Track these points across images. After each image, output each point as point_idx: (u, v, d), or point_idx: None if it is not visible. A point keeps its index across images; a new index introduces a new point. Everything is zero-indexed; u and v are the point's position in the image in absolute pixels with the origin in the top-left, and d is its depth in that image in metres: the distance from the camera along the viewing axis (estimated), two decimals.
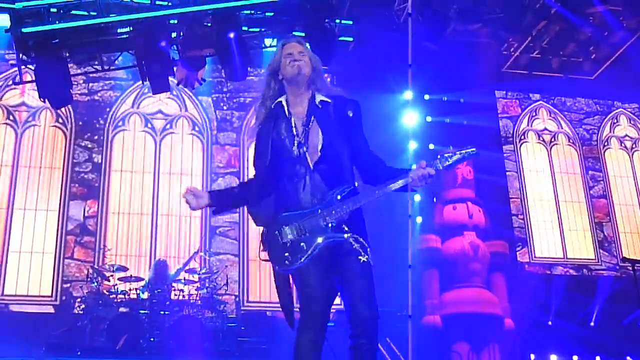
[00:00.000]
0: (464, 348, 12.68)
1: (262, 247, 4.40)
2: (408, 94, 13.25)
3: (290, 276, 4.35)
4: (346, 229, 4.31)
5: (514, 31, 14.37)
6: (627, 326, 12.47)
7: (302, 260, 4.23)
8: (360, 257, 4.26)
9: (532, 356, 12.90)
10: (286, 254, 4.26)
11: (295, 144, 4.44)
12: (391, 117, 13.35)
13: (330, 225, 4.28)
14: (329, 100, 4.53)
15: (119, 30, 12.03)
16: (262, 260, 4.38)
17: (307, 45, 4.72)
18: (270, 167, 4.52)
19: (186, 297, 11.85)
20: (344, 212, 4.30)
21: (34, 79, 12.17)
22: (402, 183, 4.40)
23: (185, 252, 13.97)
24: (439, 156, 4.50)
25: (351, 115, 4.51)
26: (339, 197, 4.31)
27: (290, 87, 4.55)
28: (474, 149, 4.52)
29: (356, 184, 4.49)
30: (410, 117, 13.43)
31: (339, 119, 4.48)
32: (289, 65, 4.48)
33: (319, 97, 4.53)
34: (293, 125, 4.50)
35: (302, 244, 4.25)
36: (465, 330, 12.71)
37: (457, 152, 4.50)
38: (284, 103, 4.57)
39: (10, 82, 14.42)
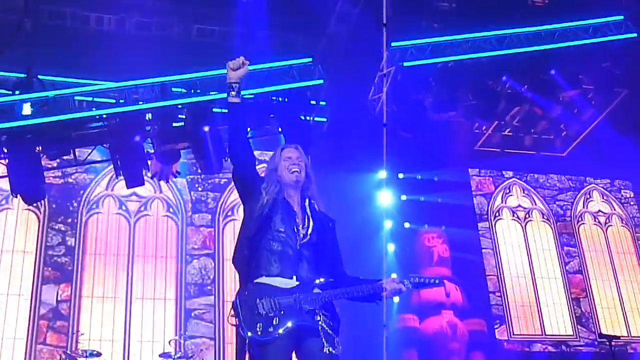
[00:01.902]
0: None
1: (232, 312, 4.44)
2: (382, 174, 13.33)
3: (251, 345, 4.38)
4: (318, 318, 4.47)
5: (487, 117, 14.56)
6: None
7: (271, 334, 4.30)
8: (324, 349, 4.39)
9: None
10: (259, 324, 4.32)
11: (293, 227, 4.72)
12: (366, 196, 13.41)
13: (303, 310, 4.43)
14: (316, 207, 4.91)
15: (92, 125, 12.08)
16: (231, 324, 4.43)
17: (300, 148, 5.02)
18: (256, 235, 4.68)
19: None
20: (319, 301, 4.48)
21: (6, 173, 12.11)
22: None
23: (160, 335, 13.76)
24: (410, 276, 4.87)
25: (331, 226, 4.86)
26: (316, 288, 4.52)
27: (286, 188, 4.87)
28: (439, 281, 4.92)
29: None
30: (385, 196, 13.50)
31: (324, 225, 4.82)
32: (287, 169, 4.85)
33: (312, 202, 4.93)
34: (292, 210, 4.82)
35: (275, 320, 4.34)
36: None
37: (426, 279, 4.87)
38: (285, 196, 4.86)
39: None
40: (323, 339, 4.41)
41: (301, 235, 4.71)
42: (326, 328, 4.46)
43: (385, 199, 13.51)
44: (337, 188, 13.97)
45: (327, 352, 4.39)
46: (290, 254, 4.60)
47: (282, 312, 4.36)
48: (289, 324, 4.34)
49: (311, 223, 4.79)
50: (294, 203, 4.86)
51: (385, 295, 4.76)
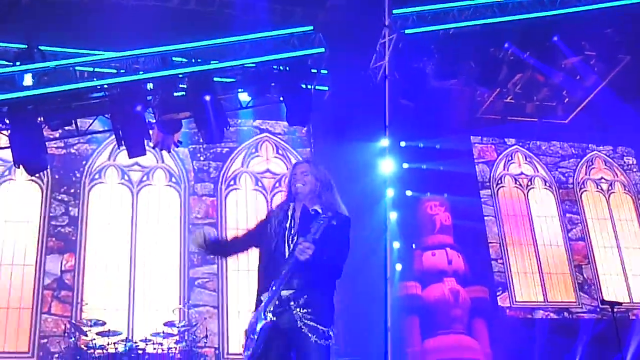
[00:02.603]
0: None
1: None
2: (384, 142, 13.32)
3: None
4: (295, 314, 4.79)
5: (489, 84, 14.49)
6: None
7: (256, 340, 4.78)
8: (311, 339, 4.71)
9: None
10: (249, 348, 4.82)
11: (285, 238, 5.06)
12: (368, 164, 13.41)
13: (270, 315, 4.79)
14: (320, 211, 5.09)
15: (93, 95, 12.05)
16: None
17: (310, 164, 5.43)
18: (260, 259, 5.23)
19: (165, 351, 11.71)
20: (273, 298, 4.82)
21: (8, 144, 12.12)
22: None
23: (164, 304, 13.84)
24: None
25: (335, 224, 5.02)
26: (283, 292, 4.83)
27: (296, 200, 5.28)
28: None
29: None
30: (387, 164, 13.49)
31: (325, 226, 4.95)
32: (293, 183, 5.27)
33: (312, 207, 5.17)
34: (289, 222, 5.15)
35: (253, 338, 4.83)
36: None
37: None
38: (291, 206, 5.27)
39: None
40: (308, 333, 4.71)
41: (288, 244, 5.03)
42: (308, 322, 4.73)
43: (387, 167, 13.51)
44: (339, 156, 13.99)
45: (314, 342, 4.69)
46: (278, 265, 4.91)
47: (255, 330, 4.80)
48: (258, 327, 4.79)
49: (294, 230, 5.09)
50: (296, 214, 5.22)
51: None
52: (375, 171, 13.52)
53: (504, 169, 17.09)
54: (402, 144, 14.10)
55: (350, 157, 13.70)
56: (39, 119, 11.81)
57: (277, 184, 15.80)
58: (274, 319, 4.76)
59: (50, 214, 14.39)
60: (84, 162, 15.02)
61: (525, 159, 17.40)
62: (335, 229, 5.01)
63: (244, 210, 15.38)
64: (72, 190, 14.72)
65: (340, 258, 5.03)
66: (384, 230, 12.82)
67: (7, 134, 12.03)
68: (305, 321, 4.74)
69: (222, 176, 15.51)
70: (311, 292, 4.84)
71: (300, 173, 5.29)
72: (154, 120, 12.62)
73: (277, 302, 4.78)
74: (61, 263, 14.05)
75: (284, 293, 4.80)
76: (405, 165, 14.16)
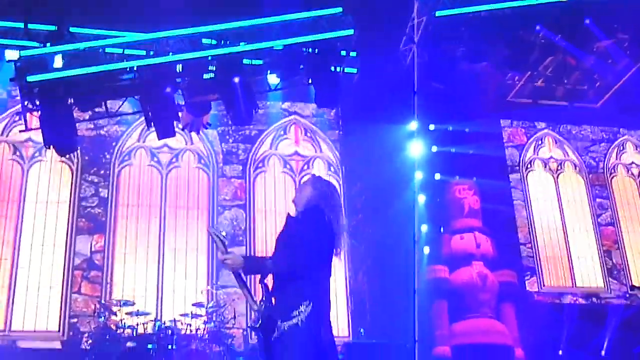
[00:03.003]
0: None
1: None
2: (413, 125, 13.26)
3: None
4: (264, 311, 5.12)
5: (520, 67, 14.36)
6: (638, 354, 12.35)
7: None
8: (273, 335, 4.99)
9: None
10: None
11: None
12: (397, 147, 13.37)
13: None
14: (293, 216, 5.41)
15: (123, 77, 12.09)
16: None
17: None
18: None
19: (194, 332, 11.78)
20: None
21: (39, 125, 12.21)
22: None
23: (192, 285, 13.93)
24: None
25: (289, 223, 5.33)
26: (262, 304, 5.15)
27: None
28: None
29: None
30: (415, 147, 13.43)
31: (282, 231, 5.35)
32: None
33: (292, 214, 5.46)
34: None
35: None
36: None
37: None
38: None
39: (17, 118, 14.45)
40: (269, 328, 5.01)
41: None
42: (266, 318, 5.03)
43: (416, 150, 13.45)
44: (368, 139, 13.98)
45: (272, 338, 4.97)
46: None
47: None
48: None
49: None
50: None
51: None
52: (403, 154, 13.46)
53: (533, 153, 16.97)
54: (431, 127, 14.01)
55: (378, 139, 13.67)
56: (69, 100, 11.87)
57: (305, 167, 15.82)
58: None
59: (81, 195, 14.52)
60: (113, 144, 15.12)
61: (556, 143, 17.27)
62: (292, 228, 5.27)
63: (272, 193, 15.42)
64: (102, 172, 14.84)
65: (284, 258, 5.14)
66: (412, 213, 12.78)
67: (37, 115, 12.12)
68: (266, 316, 5.06)
69: (250, 158, 15.54)
70: (275, 293, 5.13)
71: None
72: (183, 102, 12.65)
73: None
74: (91, 244, 14.18)
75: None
76: (434, 149, 14.08)
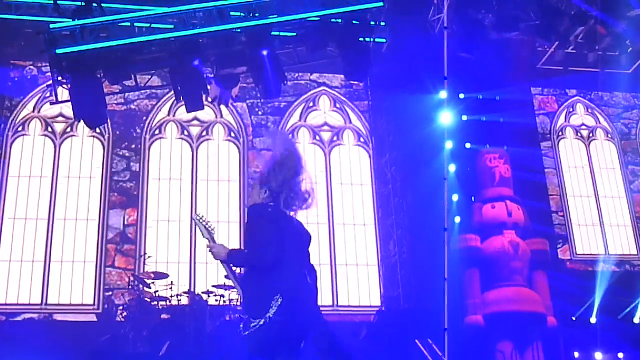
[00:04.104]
0: (507, 347, 12.54)
1: None
2: (443, 94, 13.19)
3: None
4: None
5: (550, 37, 14.20)
6: None
7: None
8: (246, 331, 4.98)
9: (576, 354, 12.76)
10: None
11: None
12: (427, 117, 13.29)
13: None
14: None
15: (151, 50, 12.12)
16: None
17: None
18: None
19: (227, 302, 11.87)
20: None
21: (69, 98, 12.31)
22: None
23: None
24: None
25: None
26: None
27: None
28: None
29: None
30: (445, 116, 13.36)
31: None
32: None
33: None
34: None
35: None
36: (508, 329, 12.56)
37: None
38: None
39: (48, 94, 14.55)
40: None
41: None
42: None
43: (446, 119, 13.38)
44: (397, 109, 13.94)
45: (246, 334, 4.96)
46: None
47: None
48: None
49: None
50: None
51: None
52: (434, 123, 13.40)
53: (565, 120, 16.86)
54: (461, 95, 13.92)
55: (408, 109, 13.63)
56: (99, 73, 11.94)
57: (334, 137, 15.81)
58: None
59: (112, 169, 14.63)
60: (144, 118, 15.20)
61: (587, 110, 17.13)
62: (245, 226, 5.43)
63: None
64: (133, 146, 14.94)
65: (241, 256, 5.25)
66: (442, 183, 12.75)
67: (67, 88, 12.21)
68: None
69: (280, 130, 15.56)
70: (245, 288, 5.17)
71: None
72: (212, 75, 12.67)
73: None
74: (123, 217, 14.31)
75: None
76: (464, 117, 13.98)
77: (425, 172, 13.06)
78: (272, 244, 4.92)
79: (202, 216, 5.29)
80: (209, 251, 5.20)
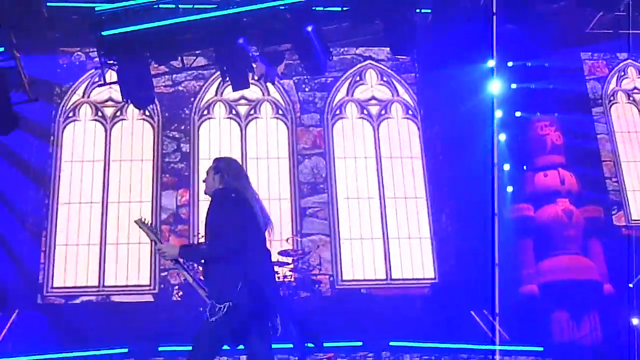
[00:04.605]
0: (563, 316, 12.47)
1: None
2: (491, 62, 13.03)
3: None
4: None
5: (601, 6, 13.91)
6: None
7: None
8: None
9: (635, 320, 12.61)
10: None
11: None
12: (475, 87, 13.15)
13: None
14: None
15: (196, 30, 12.16)
16: None
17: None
18: None
19: (281, 279, 11.95)
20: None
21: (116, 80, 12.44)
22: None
23: (277, 235, 14.07)
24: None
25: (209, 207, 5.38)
26: None
27: None
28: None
29: None
30: (494, 85, 13.20)
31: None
32: None
33: None
34: None
35: None
36: (564, 298, 12.49)
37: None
38: None
39: (97, 79, 14.71)
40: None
41: None
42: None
43: (495, 88, 13.22)
44: (445, 80, 13.82)
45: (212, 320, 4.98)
46: None
47: None
48: None
49: None
50: None
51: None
52: (482, 93, 13.27)
53: (616, 85, 16.54)
54: (510, 64, 13.74)
55: (456, 79, 13.50)
56: (145, 54, 12.03)
57: (382, 111, 15.75)
58: None
59: (163, 151, 14.77)
60: (192, 99, 15.29)
61: (639, 74, 16.79)
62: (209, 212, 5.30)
63: (351, 139, 15.43)
64: (182, 127, 15.06)
65: (198, 251, 5.45)
66: (491, 153, 12.64)
67: (115, 70, 12.35)
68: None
69: (327, 106, 15.55)
70: (207, 278, 5.28)
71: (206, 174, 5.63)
72: (257, 53, 12.69)
73: None
74: (176, 198, 14.46)
75: None
76: (514, 86, 13.80)
77: (475, 142, 12.94)
78: (232, 231, 5.02)
79: (144, 219, 5.28)
80: (158, 252, 5.27)
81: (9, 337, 11.86)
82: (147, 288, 13.81)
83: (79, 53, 15.18)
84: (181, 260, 5.32)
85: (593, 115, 15.80)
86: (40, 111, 13.60)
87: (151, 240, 5.21)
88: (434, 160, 15.00)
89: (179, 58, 12.89)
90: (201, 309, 5.15)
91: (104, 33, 11.41)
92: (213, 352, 5.09)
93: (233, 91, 13.34)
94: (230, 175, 5.46)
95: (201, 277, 5.39)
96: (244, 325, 4.98)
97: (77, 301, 13.67)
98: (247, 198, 5.32)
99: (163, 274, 13.79)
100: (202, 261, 5.32)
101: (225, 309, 4.90)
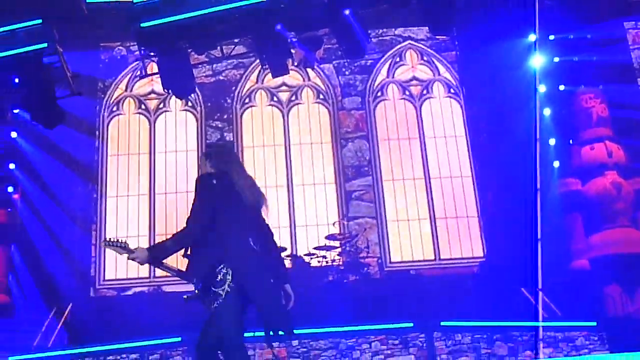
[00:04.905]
0: (615, 290, 12.32)
1: None
2: (532, 37, 12.88)
3: None
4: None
5: None
6: None
7: None
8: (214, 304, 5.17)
9: None
10: None
11: None
12: (517, 62, 13.02)
13: None
14: None
15: (234, 18, 12.17)
16: None
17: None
18: None
19: (329, 263, 11.98)
20: None
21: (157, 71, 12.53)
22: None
23: (323, 219, 14.11)
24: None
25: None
26: None
27: None
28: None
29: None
30: (537, 59, 13.05)
31: None
32: None
33: None
34: None
35: None
36: (615, 272, 12.33)
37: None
38: None
39: (138, 72, 14.83)
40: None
41: None
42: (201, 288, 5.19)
43: (538, 62, 13.07)
44: (486, 57, 13.68)
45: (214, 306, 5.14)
46: None
47: None
48: None
49: None
50: None
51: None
52: (525, 68, 13.13)
53: None
54: (551, 37, 13.57)
55: (497, 55, 13.35)
56: (184, 44, 12.11)
57: (424, 91, 15.67)
58: None
59: (207, 141, 14.85)
60: (233, 88, 15.35)
61: None
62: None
63: (393, 121, 15.38)
64: (225, 116, 15.13)
65: (165, 247, 5.25)
66: (535, 127, 12.50)
67: (155, 61, 12.44)
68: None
69: (368, 88, 15.50)
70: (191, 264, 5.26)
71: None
72: (295, 39, 12.68)
73: None
74: None
75: None
76: (556, 59, 13.62)
77: (519, 118, 12.82)
78: (198, 216, 5.12)
79: (109, 239, 5.28)
80: (134, 261, 5.15)
81: (64, 330, 12.04)
82: None
83: (120, 47, 15.32)
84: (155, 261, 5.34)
85: (639, 85, 15.54)
86: (84, 107, 13.76)
87: (123, 254, 5.24)
88: (478, 138, 14.89)
89: (218, 47, 12.92)
90: (185, 296, 5.29)
91: (142, 25, 11.48)
92: (241, 326, 5.23)
93: (273, 78, 13.36)
94: (220, 160, 5.49)
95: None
96: (225, 309, 5.10)
97: (130, 292, 13.84)
98: (234, 181, 5.34)
99: None
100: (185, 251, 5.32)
101: (225, 291, 5.05)
